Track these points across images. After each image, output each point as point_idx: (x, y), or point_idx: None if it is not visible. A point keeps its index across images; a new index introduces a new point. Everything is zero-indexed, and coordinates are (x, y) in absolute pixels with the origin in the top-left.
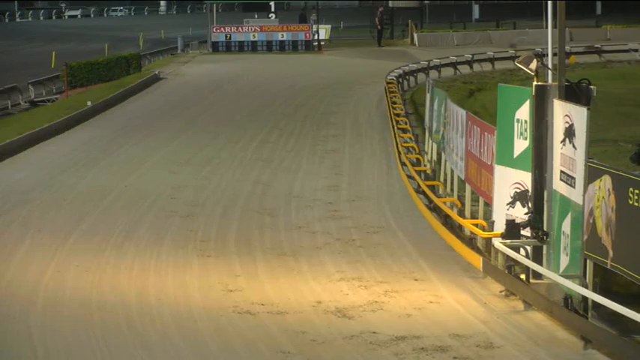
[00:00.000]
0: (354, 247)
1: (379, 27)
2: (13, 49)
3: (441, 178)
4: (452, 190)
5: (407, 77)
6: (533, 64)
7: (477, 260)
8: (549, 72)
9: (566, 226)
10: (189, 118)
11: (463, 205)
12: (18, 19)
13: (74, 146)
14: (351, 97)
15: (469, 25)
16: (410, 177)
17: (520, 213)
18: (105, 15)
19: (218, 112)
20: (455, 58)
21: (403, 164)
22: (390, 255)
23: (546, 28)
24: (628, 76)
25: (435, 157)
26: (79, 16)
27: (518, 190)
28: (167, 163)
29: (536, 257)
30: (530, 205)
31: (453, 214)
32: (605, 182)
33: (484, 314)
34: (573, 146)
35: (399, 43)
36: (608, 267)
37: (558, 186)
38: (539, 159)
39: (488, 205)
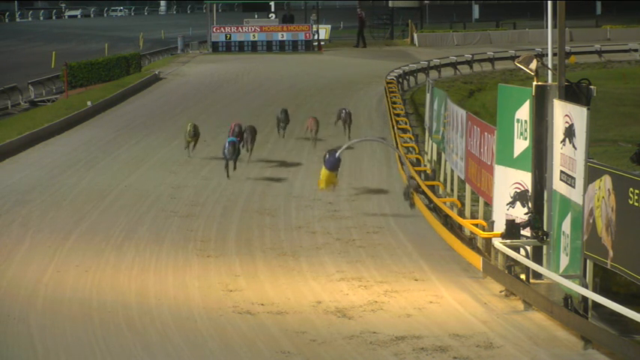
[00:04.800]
0: (354, 247)
1: (360, 28)
2: (13, 49)
3: (441, 178)
4: (452, 190)
5: (407, 77)
6: (533, 64)
7: (477, 260)
8: (549, 72)
9: (566, 226)
10: (189, 118)
11: (463, 205)
12: (18, 19)
13: (74, 146)
14: (351, 97)
15: (469, 25)
16: (410, 177)
17: (520, 213)
18: (105, 15)
19: (218, 112)
20: (455, 58)
21: (403, 164)
22: (390, 255)
23: (546, 28)
24: (628, 75)
25: (435, 157)
26: (79, 16)
27: (518, 190)
28: (167, 163)
29: (536, 257)
30: (530, 205)
31: (453, 214)
32: (605, 182)
33: (484, 314)
34: (573, 146)
35: (399, 43)
36: (608, 267)
37: (558, 186)
38: (539, 159)
39: (488, 205)
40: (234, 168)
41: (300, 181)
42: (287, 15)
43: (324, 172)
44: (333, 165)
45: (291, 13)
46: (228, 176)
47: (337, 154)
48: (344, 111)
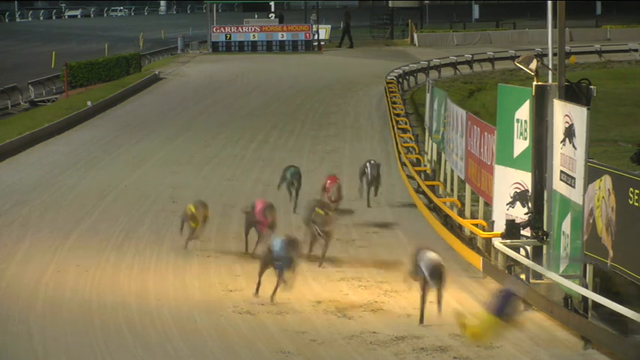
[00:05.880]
0: (354, 247)
1: (345, 27)
2: (13, 49)
3: (441, 178)
4: (452, 190)
5: (407, 77)
6: (533, 64)
7: (477, 260)
8: (549, 72)
9: (566, 226)
10: (189, 118)
11: (463, 205)
12: (18, 19)
13: (74, 146)
14: (350, 97)
15: (469, 25)
16: (410, 177)
17: (520, 213)
18: (105, 15)
19: (218, 112)
20: (455, 58)
21: (403, 164)
22: (390, 255)
23: (546, 28)
24: (628, 75)
25: (435, 157)
26: (79, 16)
27: (518, 190)
28: (167, 163)
29: (536, 257)
30: (530, 205)
31: (453, 214)
32: (605, 182)
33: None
34: (573, 146)
35: (399, 43)
36: (608, 267)
37: (558, 186)
38: (539, 159)
39: (488, 205)
40: (276, 292)
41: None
42: (278, 14)
43: (487, 319)
44: (504, 309)
45: (281, 13)
46: (257, 292)
47: (511, 291)
48: (369, 164)
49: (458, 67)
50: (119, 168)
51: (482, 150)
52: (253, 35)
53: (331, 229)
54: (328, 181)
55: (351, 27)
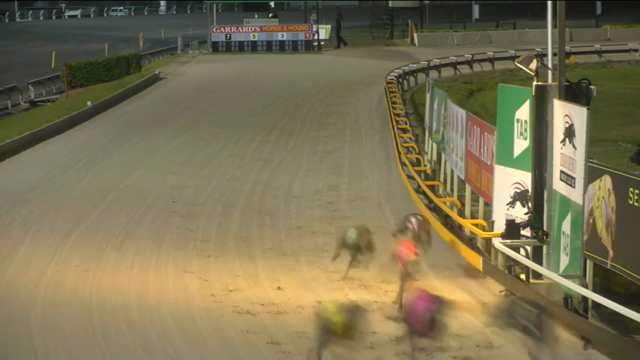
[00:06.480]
0: None
1: (337, 27)
2: (13, 49)
3: (441, 178)
4: (452, 190)
5: (407, 77)
6: (533, 64)
7: (477, 260)
8: (549, 72)
9: (566, 226)
10: (189, 118)
11: (463, 205)
12: (18, 19)
13: (74, 146)
14: (351, 97)
15: (469, 25)
16: (410, 177)
17: (520, 213)
18: (105, 15)
19: (218, 112)
20: (455, 58)
21: (403, 164)
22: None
23: (546, 28)
24: (628, 76)
25: (435, 157)
26: (79, 16)
27: (518, 190)
28: (167, 163)
29: (536, 257)
30: (530, 205)
31: (453, 214)
32: (605, 182)
33: (484, 314)
34: (573, 146)
35: (399, 43)
36: (608, 267)
37: (558, 186)
38: (539, 159)
39: (488, 205)
40: None
41: (300, 181)
42: (273, 13)
43: None
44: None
45: (276, 12)
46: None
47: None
48: (414, 220)
49: (458, 67)
50: (119, 168)
51: (482, 150)
52: (253, 35)
53: None
54: (402, 248)
55: (349, 28)
